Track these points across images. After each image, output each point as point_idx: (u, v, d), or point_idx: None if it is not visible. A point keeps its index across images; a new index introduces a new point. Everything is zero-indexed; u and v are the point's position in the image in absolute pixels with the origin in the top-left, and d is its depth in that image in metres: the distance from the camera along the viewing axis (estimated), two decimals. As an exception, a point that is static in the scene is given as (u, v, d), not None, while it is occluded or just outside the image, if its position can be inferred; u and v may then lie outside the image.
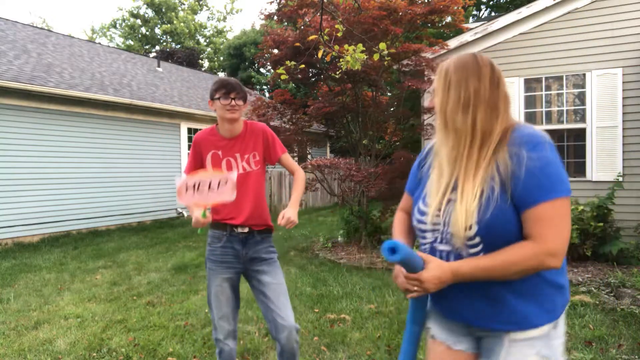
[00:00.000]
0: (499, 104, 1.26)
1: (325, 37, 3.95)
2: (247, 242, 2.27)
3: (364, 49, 3.78)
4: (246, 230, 2.24)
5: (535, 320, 1.23)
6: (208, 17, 41.33)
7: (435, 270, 1.19)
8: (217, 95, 2.21)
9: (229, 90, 2.20)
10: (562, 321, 1.29)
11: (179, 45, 30.14)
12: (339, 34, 3.87)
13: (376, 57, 4.07)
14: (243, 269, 2.32)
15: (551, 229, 1.14)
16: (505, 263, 1.16)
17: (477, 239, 1.21)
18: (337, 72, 4.95)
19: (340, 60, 3.76)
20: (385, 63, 5.89)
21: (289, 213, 2.08)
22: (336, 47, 3.85)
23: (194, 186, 2.05)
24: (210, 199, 2.07)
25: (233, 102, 2.19)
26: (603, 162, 5.96)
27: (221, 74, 27.20)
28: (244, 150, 2.28)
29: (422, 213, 1.35)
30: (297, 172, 2.37)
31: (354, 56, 3.59)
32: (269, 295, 2.24)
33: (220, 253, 2.29)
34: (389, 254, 1.17)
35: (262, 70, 25.03)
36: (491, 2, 20.38)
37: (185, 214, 10.93)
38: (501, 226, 1.19)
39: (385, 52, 3.76)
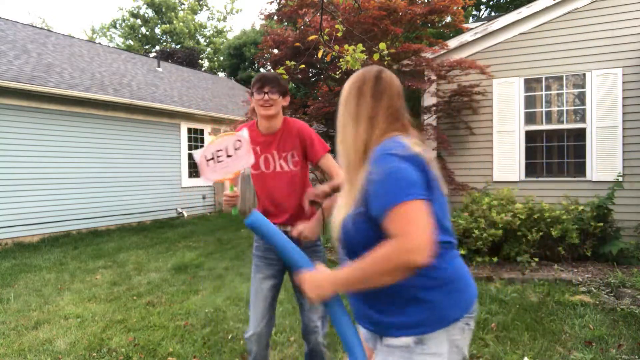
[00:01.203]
0: (379, 116, 1.30)
1: (325, 37, 3.95)
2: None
3: (364, 49, 3.78)
4: (289, 229, 2.16)
5: (393, 331, 1.25)
6: (208, 17, 41.37)
7: (315, 273, 1.21)
8: (252, 90, 2.16)
9: (263, 83, 2.13)
10: (435, 340, 1.23)
11: (179, 45, 30.14)
12: (339, 34, 3.87)
13: (376, 57, 4.06)
14: (285, 268, 2.26)
15: (409, 225, 1.11)
16: (372, 260, 1.14)
17: (344, 250, 1.31)
18: (337, 72, 4.95)
19: (340, 60, 3.75)
20: (385, 63, 5.89)
21: (305, 228, 2.00)
22: (336, 47, 3.85)
23: (213, 157, 2.01)
24: (230, 167, 2.02)
25: (266, 97, 2.12)
26: (603, 162, 5.96)
27: (221, 74, 27.20)
28: (282, 149, 2.20)
29: None
30: (337, 178, 2.06)
31: (354, 56, 3.58)
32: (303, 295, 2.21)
33: (264, 249, 2.23)
34: (247, 218, 1.29)
35: (262, 70, 25.03)
36: (491, 2, 20.38)
37: (185, 214, 10.93)
38: (352, 239, 1.26)
39: (385, 52, 3.76)
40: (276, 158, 2.20)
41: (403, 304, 1.23)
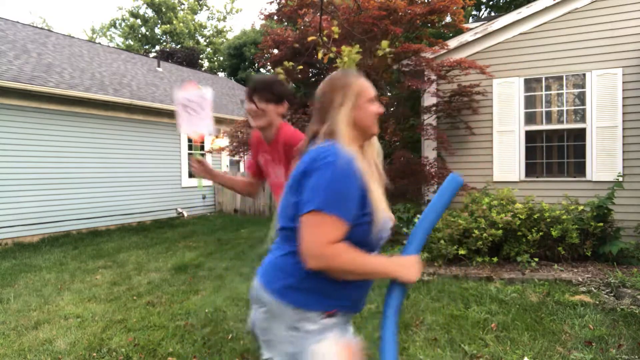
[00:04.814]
0: None
1: (324, 38, 3.95)
2: None
3: (361, 49, 3.78)
4: None
5: None
6: (208, 17, 41.33)
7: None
8: (244, 98, 2.09)
9: (252, 91, 1.95)
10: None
11: (179, 45, 30.14)
12: (335, 36, 3.87)
13: (380, 52, 4.05)
14: None
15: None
16: None
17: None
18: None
19: (339, 61, 3.75)
20: (389, 61, 5.88)
21: None
22: (333, 49, 3.85)
23: (187, 105, 1.98)
24: (196, 125, 1.98)
25: (254, 107, 1.96)
26: (603, 162, 5.96)
27: (221, 74, 27.20)
28: (276, 159, 2.08)
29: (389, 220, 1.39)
30: None
31: (350, 57, 3.58)
32: None
33: None
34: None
35: (262, 70, 25.01)
36: (491, 2, 20.37)
37: (185, 214, 10.92)
38: None
39: (388, 50, 3.76)
40: (276, 168, 2.10)
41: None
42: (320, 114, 1.41)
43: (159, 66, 14.47)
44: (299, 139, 1.94)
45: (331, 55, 3.80)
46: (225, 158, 12.44)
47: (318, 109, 1.42)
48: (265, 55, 8.03)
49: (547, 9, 6.30)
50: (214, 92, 2.02)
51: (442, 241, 5.17)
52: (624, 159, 5.87)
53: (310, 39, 4.45)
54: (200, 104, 1.97)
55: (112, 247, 7.18)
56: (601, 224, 5.11)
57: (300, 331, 1.30)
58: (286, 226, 1.33)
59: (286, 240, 1.34)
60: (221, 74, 27.33)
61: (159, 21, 31.17)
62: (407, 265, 1.34)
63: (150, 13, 31.15)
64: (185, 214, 10.94)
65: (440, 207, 1.42)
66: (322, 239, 1.21)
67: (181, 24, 30.09)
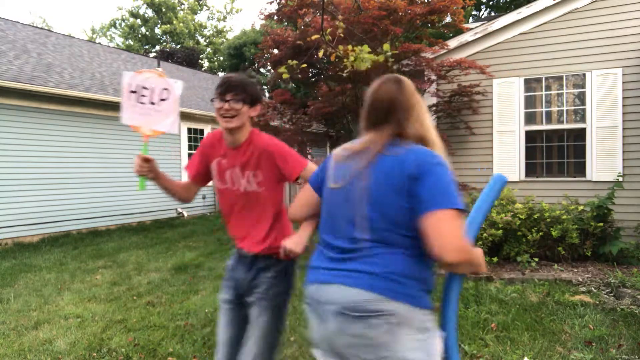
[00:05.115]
0: None
1: (328, 37, 3.94)
2: (252, 266, 1.92)
3: (370, 49, 3.77)
4: (252, 253, 1.91)
5: None
6: (208, 17, 41.36)
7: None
8: (214, 96, 1.82)
9: (225, 89, 1.79)
10: None
11: (179, 45, 30.14)
12: (339, 31, 3.85)
13: (381, 58, 4.04)
14: (243, 296, 1.95)
15: None
16: None
17: None
18: (345, 72, 4.91)
19: (345, 60, 3.73)
20: (389, 64, 5.89)
21: (288, 242, 1.70)
22: (340, 47, 3.84)
23: (136, 91, 1.79)
24: (150, 120, 1.80)
25: (227, 106, 1.78)
26: (603, 162, 5.96)
27: (221, 74, 27.20)
28: (245, 166, 1.88)
29: None
30: None
31: (360, 56, 3.55)
32: (247, 332, 1.89)
33: (228, 270, 2.02)
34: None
35: (262, 70, 25.01)
36: (491, 2, 20.38)
37: (185, 214, 10.93)
38: None
39: (389, 53, 3.76)
40: (239, 175, 1.89)
41: None
42: (397, 116, 1.43)
43: (159, 66, 14.46)
44: (278, 146, 1.87)
45: (339, 53, 3.78)
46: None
47: (396, 111, 1.43)
48: (265, 55, 8.03)
49: (547, 9, 6.30)
50: (183, 86, 1.85)
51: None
52: (624, 159, 5.87)
53: (313, 37, 4.45)
54: (162, 96, 1.80)
55: (112, 247, 7.18)
56: (601, 224, 5.11)
57: (429, 331, 1.33)
58: (394, 230, 1.31)
59: (393, 244, 1.31)
60: (221, 74, 27.33)
61: (159, 21, 31.17)
62: (481, 258, 1.41)
63: (150, 13, 31.17)
64: (185, 214, 10.94)
65: (487, 207, 1.52)
66: (460, 232, 1.25)
67: (181, 24, 30.10)
